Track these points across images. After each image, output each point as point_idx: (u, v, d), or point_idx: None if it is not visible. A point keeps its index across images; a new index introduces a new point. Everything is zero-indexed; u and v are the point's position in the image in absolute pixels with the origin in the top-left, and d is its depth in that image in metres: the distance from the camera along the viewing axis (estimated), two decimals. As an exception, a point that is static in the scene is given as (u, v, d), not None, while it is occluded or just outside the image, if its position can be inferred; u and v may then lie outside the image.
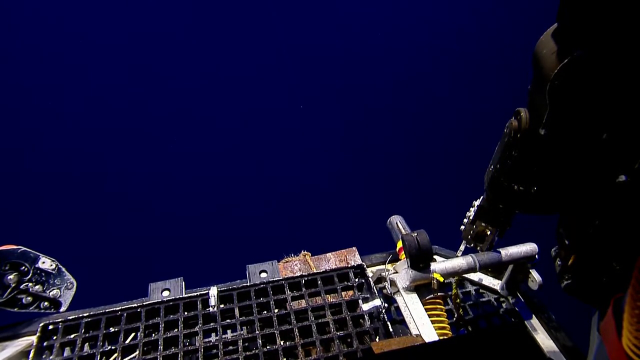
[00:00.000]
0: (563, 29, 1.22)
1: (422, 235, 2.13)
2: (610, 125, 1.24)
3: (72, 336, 2.01)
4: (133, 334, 2.06)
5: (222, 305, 2.15)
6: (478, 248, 2.16)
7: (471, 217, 2.09)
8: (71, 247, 5.83)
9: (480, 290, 2.54)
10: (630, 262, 1.16)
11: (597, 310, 1.41)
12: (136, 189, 7.77)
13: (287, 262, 2.61)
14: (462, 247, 2.25)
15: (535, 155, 1.51)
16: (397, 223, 2.60)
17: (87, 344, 2.03)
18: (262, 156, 8.45)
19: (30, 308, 2.18)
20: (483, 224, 2.07)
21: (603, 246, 1.24)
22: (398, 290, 2.17)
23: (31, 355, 1.93)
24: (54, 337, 2.01)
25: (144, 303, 2.15)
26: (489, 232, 2.07)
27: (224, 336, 2.04)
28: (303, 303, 2.19)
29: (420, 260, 2.11)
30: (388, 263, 2.57)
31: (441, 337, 1.96)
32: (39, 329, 2.01)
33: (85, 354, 1.95)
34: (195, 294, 2.20)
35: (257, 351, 1.94)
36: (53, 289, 2.22)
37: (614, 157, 1.11)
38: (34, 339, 1.99)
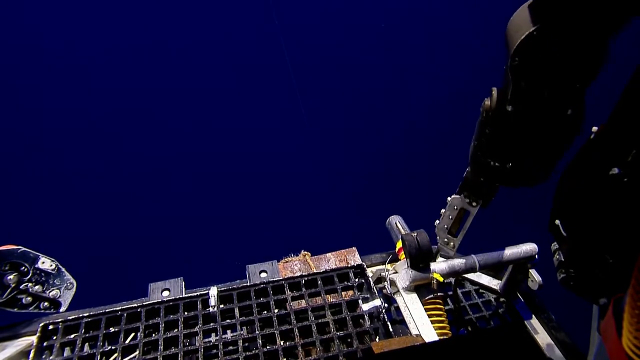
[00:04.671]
0: (529, 7, 1.27)
1: (422, 235, 2.13)
2: (572, 101, 1.34)
3: (72, 336, 2.01)
4: (133, 334, 2.06)
5: (222, 306, 2.14)
6: (451, 244, 2.18)
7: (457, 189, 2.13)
8: (71, 247, 5.82)
9: (480, 290, 2.54)
10: (625, 257, 1.18)
11: (593, 306, 1.42)
12: (136, 189, 7.77)
13: (287, 262, 2.61)
14: (456, 244, 2.24)
15: (505, 131, 1.55)
16: (396, 223, 2.60)
17: (87, 344, 2.03)
18: (262, 156, 8.45)
19: (30, 308, 2.18)
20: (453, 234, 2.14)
21: (596, 239, 1.26)
22: (398, 290, 2.17)
23: (31, 355, 1.92)
24: (54, 337, 2.01)
25: (144, 303, 2.14)
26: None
27: (224, 336, 2.04)
28: (303, 303, 2.19)
29: (420, 260, 2.12)
30: (388, 263, 2.57)
31: (441, 337, 1.96)
32: (39, 329, 2.01)
33: (85, 354, 1.95)
34: (195, 294, 2.20)
35: (257, 351, 1.94)
36: (53, 289, 2.22)
37: (607, 149, 1.12)
38: (34, 339, 1.99)
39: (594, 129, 1.19)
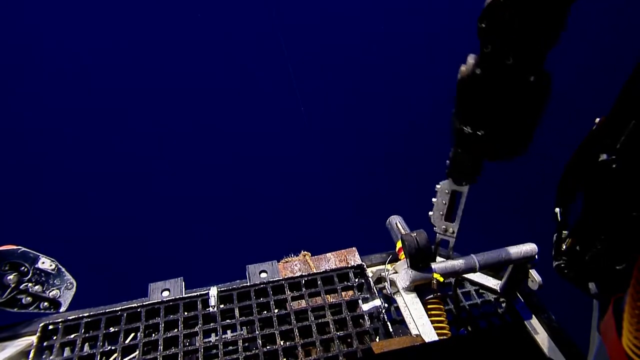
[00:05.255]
0: None
1: (421, 235, 2.13)
2: (534, 67, 1.43)
3: (72, 336, 2.01)
4: (133, 334, 2.06)
5: (222, 306, 2.15)
6: (450, 229, 2.17)
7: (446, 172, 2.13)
8: (71, 247, 5.83)
9: (480, 290, 2.54)
10: (612, 244, 1.21)
11: (593, 305, 1.43)
12: (136, 189, 7.77)
13: (287, 262, 2.61)
14: (455, 230, 2.24)
15: (474, 95, 1.62)
16: (396, 223, 2.60)
17: (87, 344, 2.03)
18: (262, 156, 8.45)
19: (30, 308, 2.18)
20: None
21: (587, 226, 1.30)
22: (398, 290, 2.17)
23: (31, 355, 1.92)
24: (54, 337, 2.01)
25: (144, 303, 2.15)
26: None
27: (224, 336, 2.04)
28: (303, 303, 2.19)
29: (419, 260, 2.12)
30: (388, 263, 2.57)
31: (441, 337, 1.96)
32: (39, 329, 2.01)
33: (85, 354, 1.95)
34: (195, 294, 2.20)
35: (257, 351, 1.94)
36: (53, 289, 2.22)
37: (606, 139, 1.15)
38: (34, 339, 1.99)
39: (597, 120, 1.22)
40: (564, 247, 1.41)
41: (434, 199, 2.19)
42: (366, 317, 2.11)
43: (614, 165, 1.12)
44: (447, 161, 2.05)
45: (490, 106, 1.60)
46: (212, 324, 2.07)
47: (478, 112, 1.65)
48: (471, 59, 1.59)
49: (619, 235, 1.18)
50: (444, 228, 2.18)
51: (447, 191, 2.12)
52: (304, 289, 2.23)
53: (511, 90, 1.52)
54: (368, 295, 2.20)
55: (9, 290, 2.09)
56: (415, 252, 2.10)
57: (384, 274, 2.28)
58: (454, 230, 2.17)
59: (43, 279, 2.20)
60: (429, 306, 2.12)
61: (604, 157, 1.15)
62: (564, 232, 1.43)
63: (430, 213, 2.21)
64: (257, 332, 2.02)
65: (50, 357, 1.94)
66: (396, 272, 2.24)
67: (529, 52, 1.40)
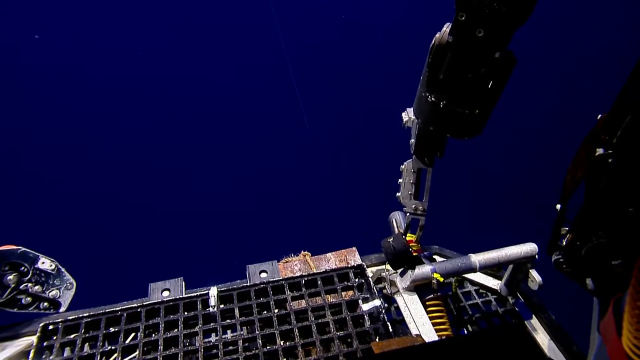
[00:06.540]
0: None
1: (397, 240, 2.13)
2: (501, 44, 1.48)
3: (72, 336, 2.01)
4: (133, 334, 2.06)
5: (222, 306, 2.15)
6: (420, 208, 2.17)
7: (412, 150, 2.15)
8: (71, 247, 5.82)
9: (480, 290, 2.54)
10: (607, 239, 1.23)
11: (593, 305, 1.44)
12: (136, 189, 7.77)
13: (287, 262, 2.61)
14: (425, 207, 2.22)
15: (440, 62, 1.65)
16: (394, 220, 2.59)
17: (87, 344, 2.03)
18: (263, 156, 8.45)
19: (30, 308, 2.18)
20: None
21: (586, 219, 1.31)
22: (398, 291, 2.17)
23: (31, 355, 1.93)
24: (54, 337, 2.01)
25: (144, 303, 2.15)
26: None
27: (224, 336, 2.04)
28: (303, 303, 2.19)
29: (398, 262, 2.12)
30: (388, 263, 2.57)
31: (441, 337, 1.96)
32: (39, 329, 2.01)
33: (85, 354, 1.95)
34: (195, 294, 2.20)
35: (257, 351, 1.94)
36: (52, 290, 2.22)
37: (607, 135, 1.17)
38: (34, 339, 1.99)
39: (598, 117, 1.23)
40: (564, 242, 1.42)
41: (400, 180, 2.19)
42: (366, 317, 2.11)
43: (610, 160, 1.14)
44: (412, 140, 2.07)
45: (455, 76, 1.64)
46: (212, 324, 2.07)
47: (443, 80, 1.68)
48: (446, 27, 1.63)
49: (616, 230, 1.19)
50: (414, 207, 2.18)
51: (413, 170, 2.13)
52: (304, 289, 2.23)
53: (476, 63, 1.57)
54: (368, 295, 2.20)
55: (9, 290, 2.09)
56: (392, 257, 2.11)
57: (384, 274, 2.28)
58: (424, 208, 2.16)
59: (43, 279, 2.20)
60: (428, 306, 2.12)
61: (600, 151, 1.16)
62: (564, 228, 1.44)
63: (398, 194, 2.21)
64: (257, 332, 2.02)
65: (50, 357, 1.94)
66: (396, 272, 2.24)
67: (498, 27, 1.45)
